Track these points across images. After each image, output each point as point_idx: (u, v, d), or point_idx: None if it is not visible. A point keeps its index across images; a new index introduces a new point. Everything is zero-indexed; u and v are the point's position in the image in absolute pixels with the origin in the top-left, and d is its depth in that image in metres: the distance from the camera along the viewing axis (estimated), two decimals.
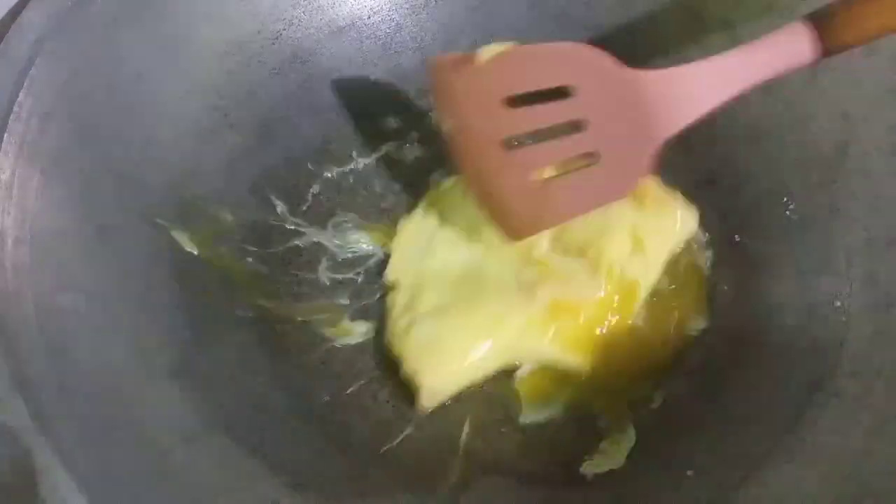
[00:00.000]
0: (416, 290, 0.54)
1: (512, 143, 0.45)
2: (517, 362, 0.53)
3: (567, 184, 0.45)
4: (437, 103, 0.52)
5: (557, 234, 0.53)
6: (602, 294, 0.52)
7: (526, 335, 0.51)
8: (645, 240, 0.54)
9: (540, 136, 0.45)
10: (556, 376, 0.53)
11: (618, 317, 0.53)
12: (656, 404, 0.52)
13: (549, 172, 0.46)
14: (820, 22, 0.42)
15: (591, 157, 0.45)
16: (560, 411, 0.52)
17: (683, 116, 0.45)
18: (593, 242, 0.53)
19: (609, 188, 0.46)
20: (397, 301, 0.54)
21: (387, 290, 0.56)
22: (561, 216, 0.47)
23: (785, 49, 0.43)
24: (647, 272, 0.54)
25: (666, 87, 0.44)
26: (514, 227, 0.47)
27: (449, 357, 0.50)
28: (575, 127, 0.44)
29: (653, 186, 0.55)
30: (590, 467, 0.49)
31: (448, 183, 0.59)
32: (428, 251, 0.55)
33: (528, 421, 0.52)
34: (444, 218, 0.57)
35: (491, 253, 0.53)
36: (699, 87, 0.44)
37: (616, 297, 0.52)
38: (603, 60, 0.44)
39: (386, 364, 0.54)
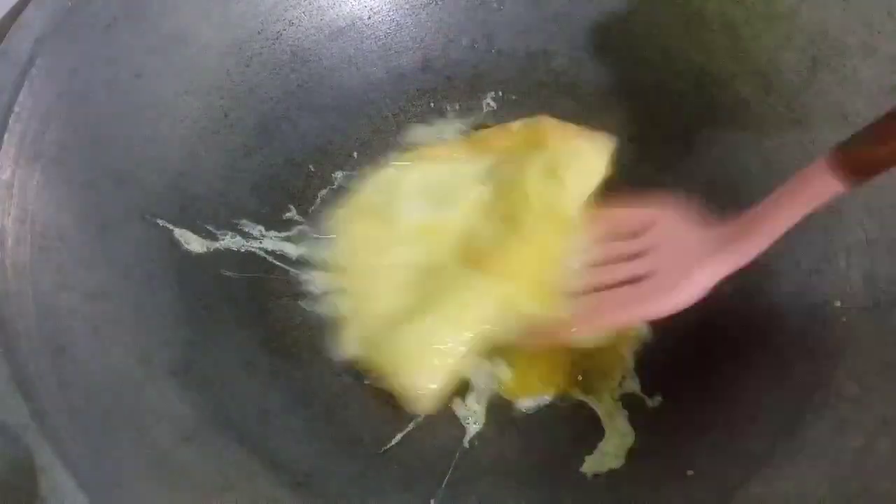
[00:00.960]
0: (369, 293, 0.55)
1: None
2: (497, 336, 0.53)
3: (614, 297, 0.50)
4: None
5: (487, 212, 0.56)
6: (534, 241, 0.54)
7: (495, 308, 0.52)
8: (560, 172, 0.55)
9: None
10: (542, 370, 0.53)
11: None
12: (654, 403, 0.52)
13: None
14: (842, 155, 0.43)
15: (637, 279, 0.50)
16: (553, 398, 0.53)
17: (731, 258, 0.48)
18: (515, 202, 0.55)
19: (646, 305, 0.49)
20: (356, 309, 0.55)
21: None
22: (598, 327, 0.51)
23: (814, 187, 0.44)
24: (571, 200, 0.55)
25: (722, 241, 0.48)
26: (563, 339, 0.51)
27: (433, 359, 0.51)
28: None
29: (551, 126, 0.58)
30: (590, 467, 0.49)
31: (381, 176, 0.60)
32: (373, 249, 0.57)
33: (524, 408, 0.53)
34: (385, 209, 0.58)
35: (431, 245, 0.56)
36: (748, 238, 0.47)
37: (551, 237, 0.54)
38: (679, 218, 0.50)
39: None
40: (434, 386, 0.51)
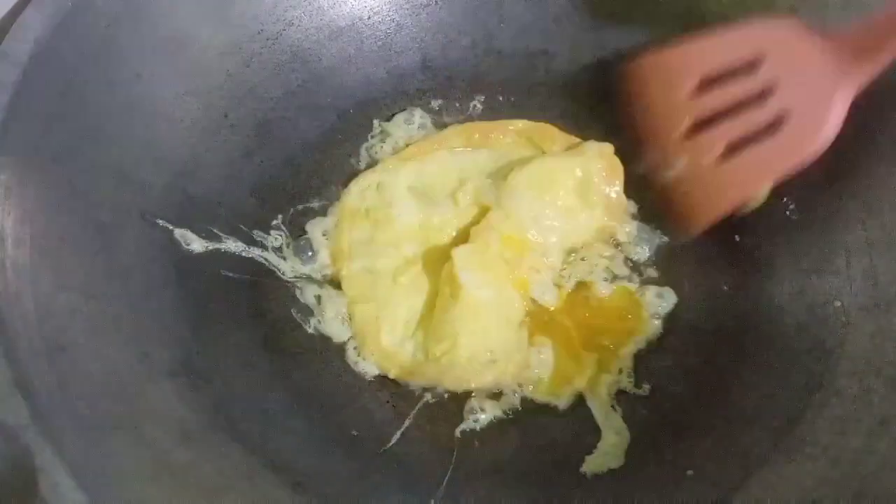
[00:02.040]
0: (384, 304, 0.55)
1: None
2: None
3: (746, 160, 0.46)
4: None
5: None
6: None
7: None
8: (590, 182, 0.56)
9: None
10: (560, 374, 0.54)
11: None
12: (646, 393, 0.53)
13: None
14: None
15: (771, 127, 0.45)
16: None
17: (865, 71, 0.43)
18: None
19: (791, 151, 0.45)
20: (381, 328, 0.54)
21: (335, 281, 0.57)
22: (744, 193, 0.47)
23: None
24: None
25: (848, 46, 0.43)
26: (702, 214, 0.48)
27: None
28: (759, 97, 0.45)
29: (553, 133, 0.60)
30: (590, 467, 0.49)
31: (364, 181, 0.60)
32: (372, 253, 0.57)
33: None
34: (377, 212, 0.58)
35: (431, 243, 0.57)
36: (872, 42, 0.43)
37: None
38: (790, 34, 0.45)
39: None
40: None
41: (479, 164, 0.59)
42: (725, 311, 0.54)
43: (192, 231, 0.53)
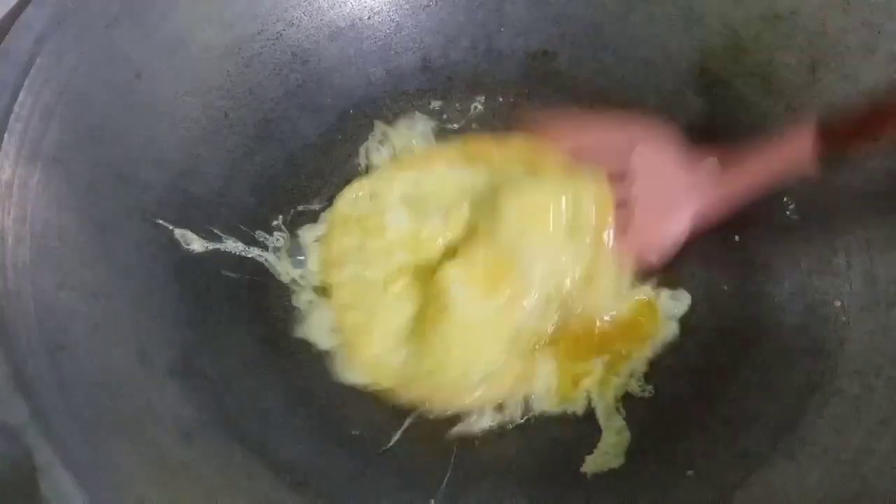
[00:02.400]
0: (374, 312, 0.54)
1: None
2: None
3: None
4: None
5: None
6: None
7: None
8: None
9: None
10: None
11: None
12: (647, 393, 0.52)
13: None
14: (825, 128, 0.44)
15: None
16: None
17: (719, 196, 0.47)
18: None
19: (631, 242, 0.49)
20: (371, 336, 0.54)
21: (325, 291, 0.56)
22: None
23: (792, 149, 0.45)
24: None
25: (709, 168, 0.48)
26: None
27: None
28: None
29: (547, 152, 0.57)
30: (590, 467, 0.49)
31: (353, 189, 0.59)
32: (362, 261, 0.56)
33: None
34: (367, 220, 0.58)
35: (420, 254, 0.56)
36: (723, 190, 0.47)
37: None
38: (661, 138, 0.50)
39: None
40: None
41: (475, 182, 0.58)
42: (725, 311, 0.54)
43: (192, 231, 0.53)
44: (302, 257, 0.58)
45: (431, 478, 0.49)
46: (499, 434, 0.52)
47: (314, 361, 0.54)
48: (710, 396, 0.51)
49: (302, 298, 0.56)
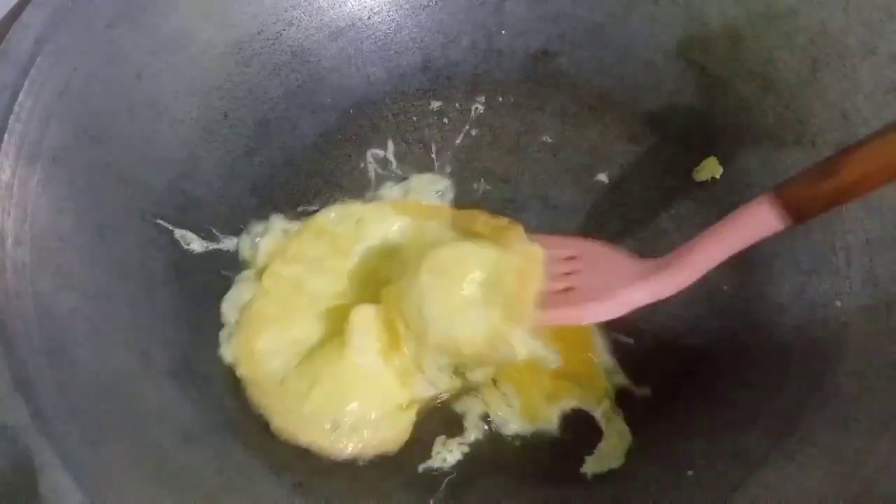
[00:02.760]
0: (286, 315, 0.52)
1: None
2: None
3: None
4: None
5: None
6: None
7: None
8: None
9: None
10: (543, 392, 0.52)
11: None
12: (644, 392, 0.52)
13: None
14: (782, 193, 0.43)
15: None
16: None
17: (653, 293, 0.47)
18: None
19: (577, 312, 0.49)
20: (264, 330, 0.52)
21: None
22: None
23: (753, 224, 0.44)
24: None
25: (649, 270, 0.47)
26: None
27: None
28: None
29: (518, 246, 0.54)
30: (590, 468, 0.49)
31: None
32: (311, 270, 0.55)
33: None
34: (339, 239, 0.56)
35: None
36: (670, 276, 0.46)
37: None
38: (610, 253, 0.51)
39: None
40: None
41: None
42: (725, 311, 0.54)
43: (192, 231, 0.53)
44: (259, 239, 0.56)
45: (431, 478, 0.49)
46: (499, 434, 0.52)
47: None
48: (710, 396, 0.51)
49: (242, 273, 0.55)
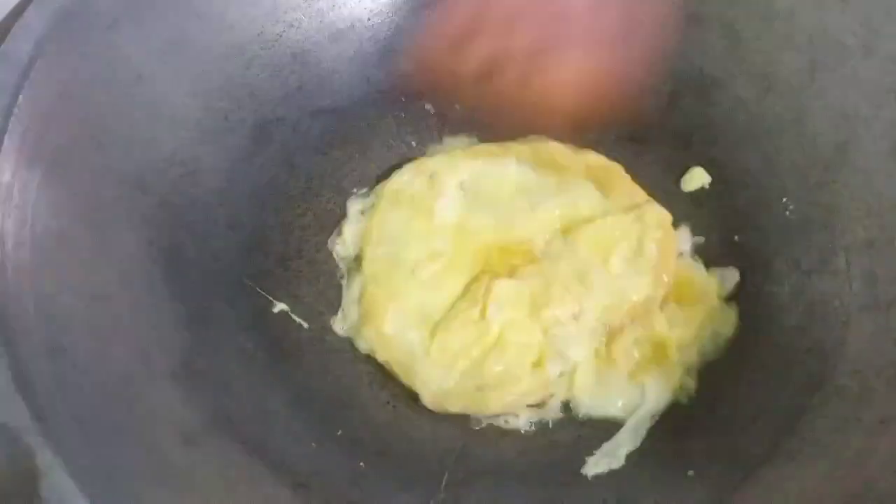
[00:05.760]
0: (397, 293, 0.54)
1: None
2: None
3: None
4: None
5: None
6: None
7: None
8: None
9: None
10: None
11: None
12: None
13: None
14: None
15: None
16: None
17: None
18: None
19: None
20: (387, 314, 0.54)
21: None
22: None
23: None
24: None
25: None
26: None
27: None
28: None
29: (622, 180, 0.58)
30: (590, 468, 0.49)
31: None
32: (400, 240, 0.56)
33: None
34: (422, 200, 0.57)
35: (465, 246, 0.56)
36: None
37: None
38: None
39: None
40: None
41: (542, 191, 0.57)
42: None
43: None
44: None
45: (431, 478, 0.49)
46: (499, 435, 0.52)
47: (314, 362, 0.54)
48: (710, 396, 0.51)
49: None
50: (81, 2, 0.48)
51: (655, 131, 0.61)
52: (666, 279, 0.54)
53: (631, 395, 0.52)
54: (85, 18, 0.48)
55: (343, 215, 0.59)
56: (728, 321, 0.54)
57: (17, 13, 0.47)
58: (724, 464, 0.46)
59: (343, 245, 0.58)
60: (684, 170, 0.59)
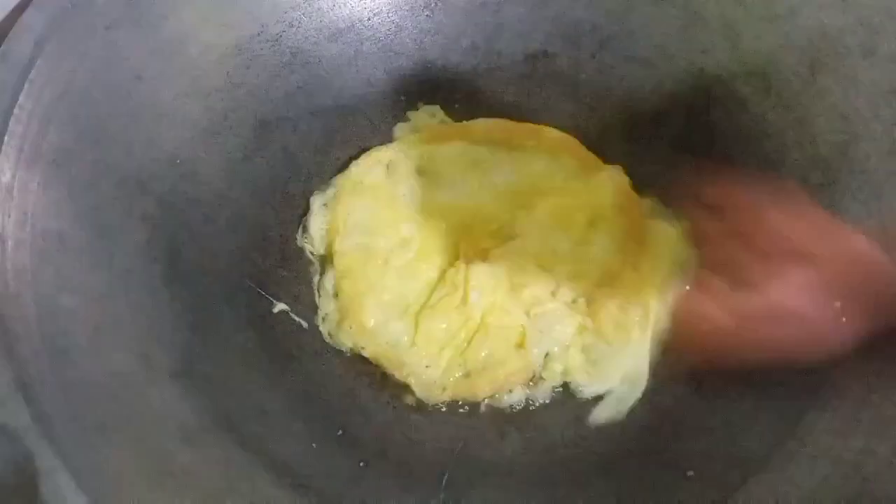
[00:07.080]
0: (373, 284, 0.54)
1: None
2: None
3: None
4: None
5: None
6: None
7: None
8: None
9: None
10: None
11: None
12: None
13: None
14: None
15: None
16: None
17: None
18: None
19: None
20: (365, 307, 0.54)
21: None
22: None
23: None
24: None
25: None
26: None
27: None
28: None
29: (577, 150, 0.59)
30: (598, 418, 0.51)
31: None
32: (369, 231, 0.56)
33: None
34: (383, 189, 0.58)
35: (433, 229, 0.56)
36: None
37: None
38: None
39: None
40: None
41: (498, 168, 0.58)
42: None
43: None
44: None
45: (431, 478, 0.49)
46: (499, 435, 0.52)
47: (314, 362, 0.54)
48: (710, 397, 0.51)
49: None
50: (81, 2, 0.48)
51: (655, 131, 0.61)
52: (633, 242, 0.55)
53: (628, 367, 0.53)
54: (84, 19, 0.48)
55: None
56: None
57: (16, 14, 0.47)
58: (724, 465, 0.46)
59: (310, 241, 0.58)
60: (685, 170, 0.59)
